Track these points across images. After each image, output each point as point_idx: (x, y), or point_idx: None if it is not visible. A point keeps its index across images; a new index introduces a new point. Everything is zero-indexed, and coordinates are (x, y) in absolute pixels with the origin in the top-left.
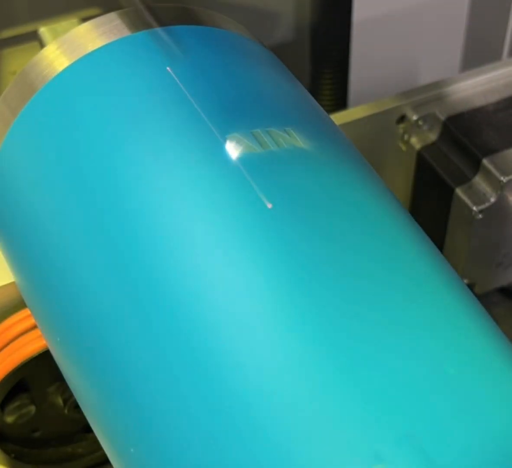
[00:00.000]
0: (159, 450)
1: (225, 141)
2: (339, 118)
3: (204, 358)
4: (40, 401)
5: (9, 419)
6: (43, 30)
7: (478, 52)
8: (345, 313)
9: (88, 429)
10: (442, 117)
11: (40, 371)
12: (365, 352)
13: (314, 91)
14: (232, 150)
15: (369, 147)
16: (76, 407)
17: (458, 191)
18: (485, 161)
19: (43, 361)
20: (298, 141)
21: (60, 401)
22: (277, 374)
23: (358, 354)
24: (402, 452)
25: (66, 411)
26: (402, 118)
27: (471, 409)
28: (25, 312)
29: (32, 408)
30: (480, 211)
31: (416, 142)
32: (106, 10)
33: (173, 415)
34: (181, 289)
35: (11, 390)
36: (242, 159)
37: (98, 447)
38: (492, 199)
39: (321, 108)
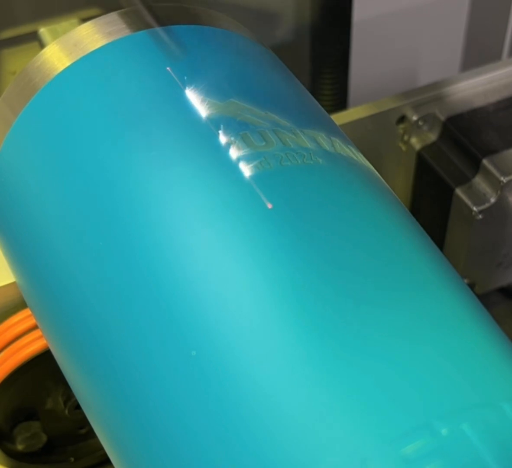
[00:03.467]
0: (159, 449)
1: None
2: (339, 118)
3: (207, 358)
4: (46, 414)
5: (20, 447)
6: (43, 31)
7: (478, 52)
8: (345, 311)
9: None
10: (442, 117)
11: (42, 391)
12: (363, 352)
13: (314, 91)
14: (233, 150)
15: (369, 147)
16: (77, 407)
17: (458, 191)
18: (485, 161)
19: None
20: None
21: (61, 402)
22: (279, 377)
23: (354, 355)
24: None
25: (66, 412)
26: (402, 118)
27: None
28: (26, 312)
29: (44, 437)
30: (480, 211)
31: (416, 142)
32: (106, 10)
33: (174, 414)
34: (184, 292)
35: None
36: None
37: (98, 447)
38: (492, 199)
39: (322, 108)
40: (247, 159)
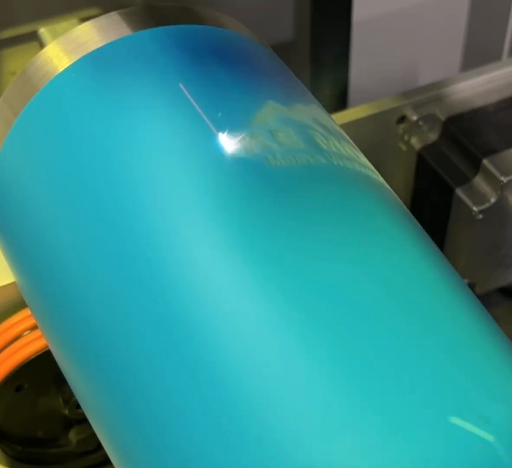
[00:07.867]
0: (159, 448)
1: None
2: (339, 118)
3: (208, 358)
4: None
5: (75, 447)
6: (43, 31)
7: (478, 52)
8: (345, 310)
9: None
10: (442, 118)
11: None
12: (362, 353)
13: (314, 91)
14: (236, 149)
15: (369, 147)
16: (77, 407)
17: (458, 191)
18: (485, 161)
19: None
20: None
21: (60, 401)
22: (278, 376)
23: (354, 355)
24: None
25: (66, 411)
26: (402, 118)
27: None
28: (26, 312)
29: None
30: (481, 211)
31: (416, 142)
32: (106, 10)
33: (174, 413)
34: (185, 292)
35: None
36: (245, 158)
37: (98, 447)
38: (493, 200)
39: (323, 108)
40: (250, 158)
